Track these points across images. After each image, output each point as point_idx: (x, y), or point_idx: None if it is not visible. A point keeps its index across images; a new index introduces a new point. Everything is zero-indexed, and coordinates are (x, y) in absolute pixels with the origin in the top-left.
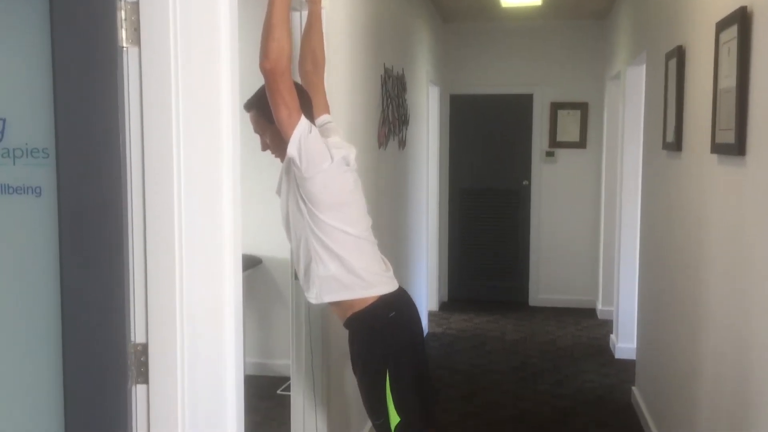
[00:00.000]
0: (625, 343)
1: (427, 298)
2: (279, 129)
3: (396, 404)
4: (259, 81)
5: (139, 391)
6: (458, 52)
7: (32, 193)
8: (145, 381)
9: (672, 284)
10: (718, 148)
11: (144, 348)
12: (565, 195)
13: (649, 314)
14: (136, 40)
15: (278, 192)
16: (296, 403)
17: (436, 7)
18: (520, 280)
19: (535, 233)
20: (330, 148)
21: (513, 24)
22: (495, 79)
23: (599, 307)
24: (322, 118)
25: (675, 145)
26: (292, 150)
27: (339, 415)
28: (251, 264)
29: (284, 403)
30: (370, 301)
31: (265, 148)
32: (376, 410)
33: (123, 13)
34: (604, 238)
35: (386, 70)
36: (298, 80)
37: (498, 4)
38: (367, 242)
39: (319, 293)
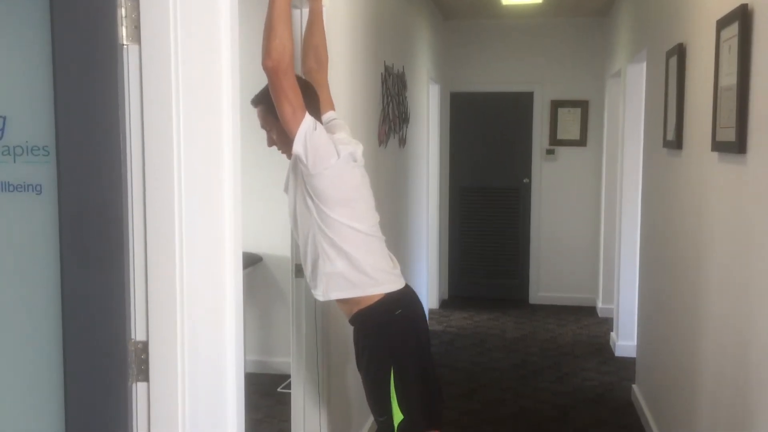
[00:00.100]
0: (625, 341)
1: (427, 296)
2: (284, 127)
3: (400, 402)
4: (259, 79)
5: (139, 388)
6: (459, 49)
7: (32, 190)
8: (146, 379)
9: (672, 282)
10: (718, 146)
11: (144, 346)
12: (565, 193)
13: (649, 312)
14: (137, 37)
15: (286, 189)
16: (297, 400)
17: (436, 5)
18: (520, 278)
19: (535, 231)
20: (336, 144)
21: (513, 22)
22: (495, 76)
23: (599, 304)
24: (327, 115)
25: (675, 142)
26: (297, 148)
27: (339, 412)
28: (251, 262)
29: (285, 401)
30: (377, 299)
31: (271, 143)
32: (379, 407)
33: (123, 10)
34: (604, 236)
35: (386, 68)
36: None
37: (498, 2)
38: (375, 239)
39: (326, 290)
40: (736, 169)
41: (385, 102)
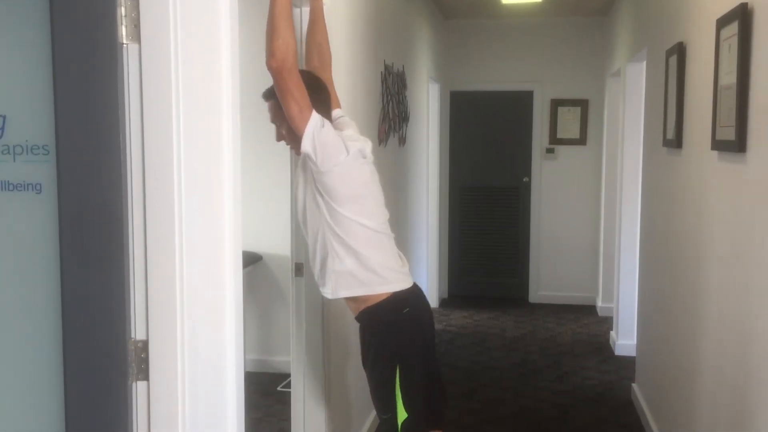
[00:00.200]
0: (625, 340)
1: (427, 294)
2: (291, 126)
3: (404, 400)
4: (259, 79)
5: (139, 387)
6: (459, 48)
7: (32, 190)
8: (146, 378)
9: (672, 281)
10: (718, 145)
11: (144, 345)
12: (565, 192)
13: (649, 311)
14: (137, 36)
15: (295, 188)
16: (296, 399)
17: (436, 4)
18: (520, 277)
19: (535, 230)
20: (345, 140)
21: (513, 21)
22: (495, 75)
23: (599, 303)
24: (334, 113)
25: (675, 141)
26: (306, 146)
27: (340, 411)
28: (251, 261)
29: (284, 400)
30: (385, 296)
31: (280, 138)
32: (384, 405)
33: (123, 9)
34: (604, 235)
35: (386, 67)
36: None
37: (498, 1)
38: (384, 236)
39: (335, 288)
40: (735, 167)
41: (384, 101)
